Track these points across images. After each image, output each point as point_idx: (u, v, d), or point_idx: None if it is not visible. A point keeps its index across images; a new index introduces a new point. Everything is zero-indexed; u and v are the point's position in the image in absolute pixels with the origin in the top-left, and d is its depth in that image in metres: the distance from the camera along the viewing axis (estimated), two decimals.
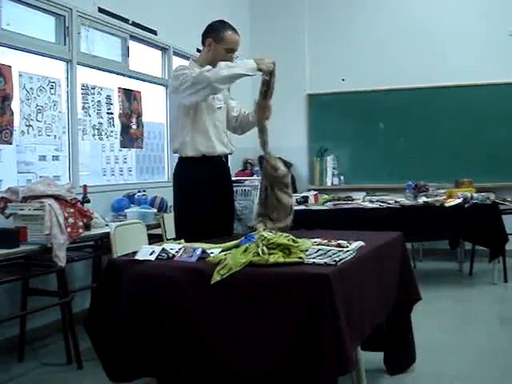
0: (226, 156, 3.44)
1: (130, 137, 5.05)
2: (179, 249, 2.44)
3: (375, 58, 7.13)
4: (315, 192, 6.29)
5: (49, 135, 4.15)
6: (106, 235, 3.70)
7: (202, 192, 3.22)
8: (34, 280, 3.58)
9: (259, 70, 3.05)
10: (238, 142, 4.95)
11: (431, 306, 4.30)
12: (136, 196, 4.69)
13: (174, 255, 2.41)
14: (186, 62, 6.12)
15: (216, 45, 3.23)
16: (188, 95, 3.07)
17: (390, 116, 7.12)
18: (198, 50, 6.18)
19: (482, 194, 5.45)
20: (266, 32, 7.54)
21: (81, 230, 3.48)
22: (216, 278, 2.16)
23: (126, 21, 5.02)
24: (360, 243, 2.60)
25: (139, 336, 2.33)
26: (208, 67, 3.06)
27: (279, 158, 3.37)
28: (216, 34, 3.24)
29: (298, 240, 2.40)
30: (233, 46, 3.25)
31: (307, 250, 2.38)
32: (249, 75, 3.05)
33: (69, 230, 3.34)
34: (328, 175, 7.31)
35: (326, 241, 2.59)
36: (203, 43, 3.31)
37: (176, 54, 5.87)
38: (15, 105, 3.81)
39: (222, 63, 3.05)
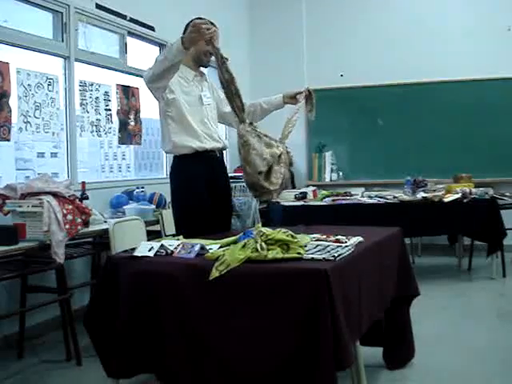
0: (221, 151, 3.43)
1: (129, 133, 5.05)
2: (178, 245, 2.45)
3: (374, 54, 7.12)
4: (314, 188, 6.30)
5: (47, 132, 4.14)
6: (105, 232, 3.70)
7: (198, 188, 3.22)
8: (32, 277, 3.58)
9: (185, 43, 2.87)
10: (235, 137, 4.93)
11: (430, 301, 4.31)
12: (134, 192, 4.69)
13: (172, 251, 2.41)
14: None
15: None
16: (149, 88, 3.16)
17: (388, 111, 7.11)
18: None
19: (481, 189, 5.45)
20: (264, 28, 7.54)
21: (79, 227, 3.47)
22: (214, 274, 2.16)
23: (123, 17, 5.01)
24: (359, 239, 2.60)
25: (138, 332, 2.33)
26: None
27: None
28: None
29: (297, 236, 2.40)
30: None
31: (306, 246, 2.39)
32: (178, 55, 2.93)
33: (67, 226, 3.33)
34: (326, 171, 7.31)
35: (324, 236, 2.60)
36: None
37: None
38: (13, 102, 3.80)
39: (158, 56, 3.07)
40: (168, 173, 3.47)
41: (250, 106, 3.50)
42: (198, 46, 3.22)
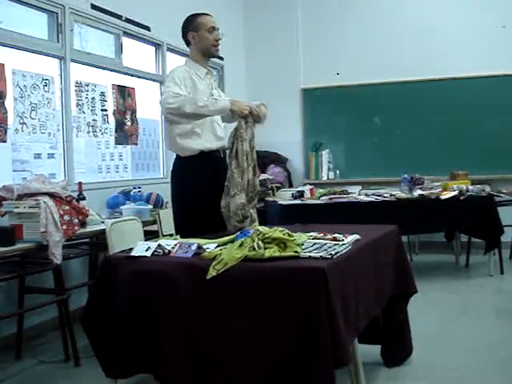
0: (224, 151, 3.43)
1: (125, 133, 5.04)
2: (175, 245, 2.45)
3: (369, 52, 7.13)
4: (311, 186, 6.31)
5: (43, 133, 4.14)
6: (102, 232, 3.69)
7: (201, 188, 3.22)
8: (30, 278, 3.57)
9: (231, 110, 3.08)
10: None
11: (427, 299, 4.32)
12: (131, 192, 4.69)
13: (169, 251, 2.41)
14: (179, 58, 6.17)
15: (198, 33, 3.30)
16: (165, 114, 3.13)
17: (384, 109, 7.12)
18: None
19: (478, 186, 5.47)
20: (259, 27, 7.54)
21: (76, 228, 3.47)
22: (212, 273, 2.16)
23: (119, 17, 5.01)
24: (355, 236, 2.60)
25: (136, 332, 2.33)
26: (182, 99, 3.03)
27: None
28: (192, 24, 3.33)
29: (294, 234, 2.40)
30: (212, 24, 3.33)
31: (303, 244, 2.39)
32: (215, 114, 3.13)
33: (64, 227, 3.33)
34: (323, 169, 7.33)
35: (321, 234, 2.60)
36: (188, 42, 3.38)
37: (169, 49, 5.85)
38: (9, 103, 3.79)
39: (199, 98, 3.06)
40: (165, 173, 3.47)
41: None
42: (206, 40, 3.29)
